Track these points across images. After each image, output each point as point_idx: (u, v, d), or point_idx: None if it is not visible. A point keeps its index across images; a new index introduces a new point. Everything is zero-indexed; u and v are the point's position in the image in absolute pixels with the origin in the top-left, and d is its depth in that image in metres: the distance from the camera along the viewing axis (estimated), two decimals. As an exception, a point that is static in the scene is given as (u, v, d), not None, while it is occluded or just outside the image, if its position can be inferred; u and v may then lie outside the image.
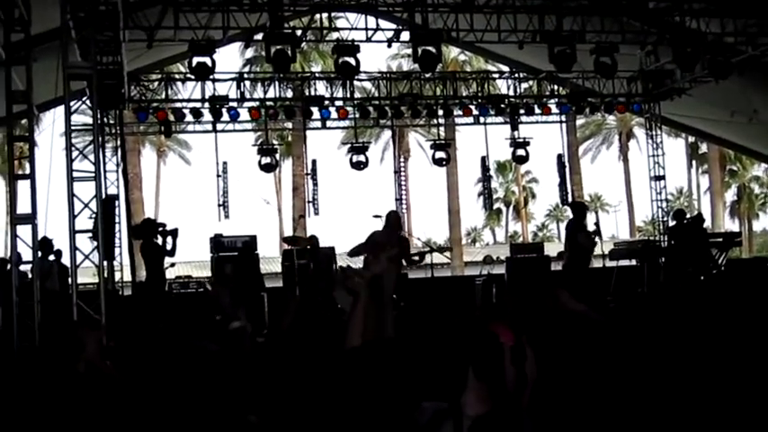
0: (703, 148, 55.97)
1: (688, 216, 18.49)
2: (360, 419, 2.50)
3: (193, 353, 2.48)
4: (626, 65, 20.08)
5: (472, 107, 22.66)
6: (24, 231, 11.60)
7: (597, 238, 15.93)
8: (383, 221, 13.60)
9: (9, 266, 12.08)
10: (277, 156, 23.50)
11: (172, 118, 20.83)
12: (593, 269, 17.48)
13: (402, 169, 27.64)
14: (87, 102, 13.94)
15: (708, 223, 27.72)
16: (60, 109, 13.30)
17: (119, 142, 19.78)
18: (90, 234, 12.40)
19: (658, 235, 23.23)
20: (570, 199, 25.20)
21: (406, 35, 17.89)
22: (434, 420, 2.43)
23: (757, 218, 67.68)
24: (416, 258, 14.58)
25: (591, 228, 16.05)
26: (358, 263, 13.69)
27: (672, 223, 19.44)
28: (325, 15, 17.25)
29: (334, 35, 17.88)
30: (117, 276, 18.91)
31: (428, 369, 2.81)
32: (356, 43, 16.75)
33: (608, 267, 18.16)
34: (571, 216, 17.21)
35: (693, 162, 62.12)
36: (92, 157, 12.45)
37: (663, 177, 23.74)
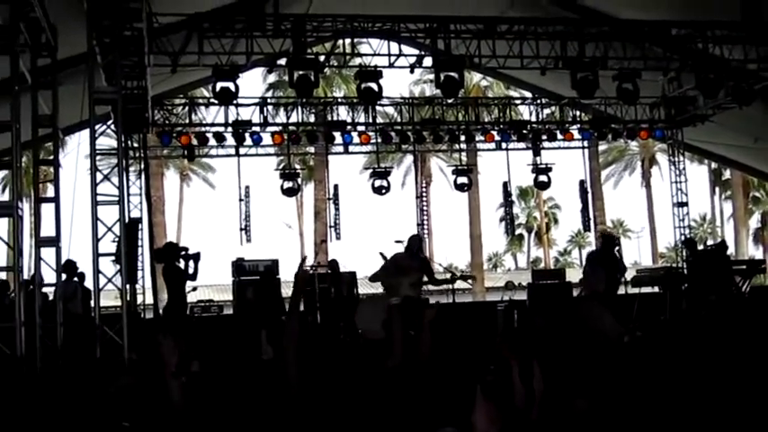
0: (726, 174, 55.60)
1: (710, 243, 18.40)
2: None
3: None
4: (648, 91, 20.07)
5: (494, 132, 22.65)
6: (48, 254, 11.70)
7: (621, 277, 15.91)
8: (404, 246, 13.38)
9: (32, 287, 12.16)
10: (299, 180, 23.57)
11: (195, 142, 20.98)
12: (617, 295, 17.38)
13: (424, 194, 27.61)
14: (111, 125, 14.10)
15: (731, 250, 27.55)
16: (85, 132, 13.47)
17: (142, 166, 19.91)
18: (113, 257, 12.48)
19: (681, 262, 23.07)
20: (593, 225, 25.13)
21: (428, 61, 17.97)
22: None
23: (781, 244, 67.08)
24: (441, 279, 14.37)
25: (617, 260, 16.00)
26: (379, 288, 13.67)
27: (685, 252, 19.32)
28: (348, 41, 17.34)
29: (357, 60, 17.96)
30: (139, 299, 18.97)
31: (446, 393, 2.82)
32: (379, 69, 16.83)
33: (630, 294, 18.04)
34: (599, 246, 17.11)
35: (716, 188, 61.73)
36: (115, 180, 12.55)
37: (686, 204, 23.63)
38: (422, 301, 14.17)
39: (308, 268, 16.91)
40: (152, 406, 2.29)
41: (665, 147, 25.31)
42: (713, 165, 52.74)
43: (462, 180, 23.94)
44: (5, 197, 39.35)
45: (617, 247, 16.42)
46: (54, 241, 11.57)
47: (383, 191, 23.12)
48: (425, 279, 13.35)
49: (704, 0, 16.06)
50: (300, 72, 15.83)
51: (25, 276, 10.89)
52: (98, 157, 12.65)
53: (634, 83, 17.47)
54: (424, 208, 27.06)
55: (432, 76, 20.20)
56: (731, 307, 16.84)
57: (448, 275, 14.60)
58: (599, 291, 15.60)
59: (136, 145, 19.90)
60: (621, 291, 17.90)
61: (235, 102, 18.43)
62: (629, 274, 18.36)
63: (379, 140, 22.28)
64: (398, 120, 22.57)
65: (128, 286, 13.33)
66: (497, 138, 22.81)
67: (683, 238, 23.25)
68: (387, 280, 12.93)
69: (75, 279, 15.76)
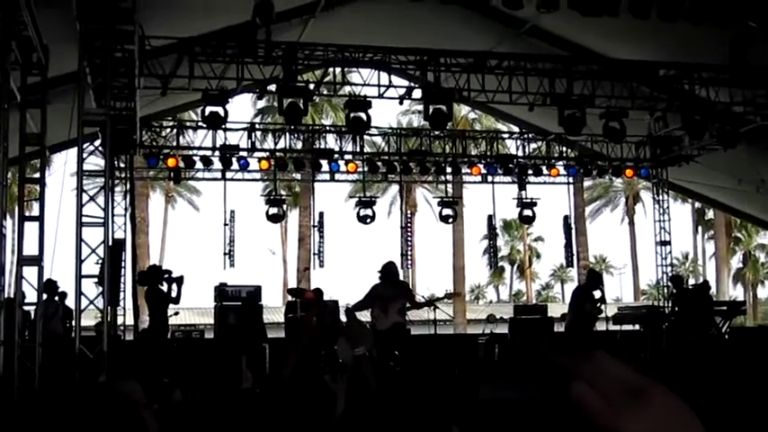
0: (710, 214, 55.96)
1: (693, 282, 18.51)
2: None
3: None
4: (635, 130, 20.19)
5: (480, 166, 22.75)
6: (30, 273, 11.63)
7: (602, 306, 15.97)
8: (379, 275, 13.37)
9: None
10: (284, 206, 23.57)
11: (182, 165, 20.96)
12: (596, 332, 17.41)
13: (408, 224, 27.63)
14: (99, 146, 14.09)
15: (713, 290, 27.66)
16: (71, 151, 13.44)
17: (128, 187, 19.86)
18: (96, 280, 12.42)
19: (662, 299, 23.15)
20: (576, 260, 25.18)
21: (418, 93, 18.06)
22: None
23: (762, 285, 67.43)
24: (422, 303, 14.49)
25: (597, 295, 16.07)
26: (363, 316, 13.65)
27: (668, 290, 19.36)
28: (338, 70, 17.42)
29: (347, 89, 18.03)
30: (120, 320, 18.87)
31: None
32: (368, 99, 16.91)
33: (611, 331, 18.09)
34: (583, 281, 17.19)
35: (699, 228, 62.08)
36: (101, 201, 12.51)
37: (668, 243, 23.74)
38: (406, 330, 14.22)
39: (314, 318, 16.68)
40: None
41: (650, 185, 25.43)
42: (697, 204, 53.06)
43: (447, 211, 24.00)
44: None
45: (601, 286, 16.47)
46: (37, 260, 11.51)
47: (368, 220, 23.15)
48: (408, 305, 13.44)
49: (693, 42, 16.20)
50: (290, 99, 15.88)
51: (6, 294, 10.83)
52: (84, 177, 12.61)
53: (621, 121, 17.62)
54: (409, 238, 27.09)
55: (420, 107, 20.31)
56: (710, 347, 16.92)
57: (428, 299, 14.68)
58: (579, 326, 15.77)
59: (123, 165, 19.86)
60: (602, 327, 17.96)
61: (223, 126, 18.43)
62: (611, 311, 18.42)
63: (366, 170, 22.34)
64: (386, 149, 22.65)
65: (109, 308, 13.26)
66: (483, 171, 22.88)
67: (665, 276, 23.35)
68: (374, 310, 12.96)
69: (56, 298, 15.69)
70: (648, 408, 0.89)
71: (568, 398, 0.91)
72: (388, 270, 13.33)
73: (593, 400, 0.90)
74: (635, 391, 0.90)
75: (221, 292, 18.08)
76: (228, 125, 19.13)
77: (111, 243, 13.15)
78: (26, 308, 12.33)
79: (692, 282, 45.82)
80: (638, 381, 0.92)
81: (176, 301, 14.57)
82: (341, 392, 3.14)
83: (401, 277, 15.58)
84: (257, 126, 23.21)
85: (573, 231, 26.09)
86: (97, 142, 14.68)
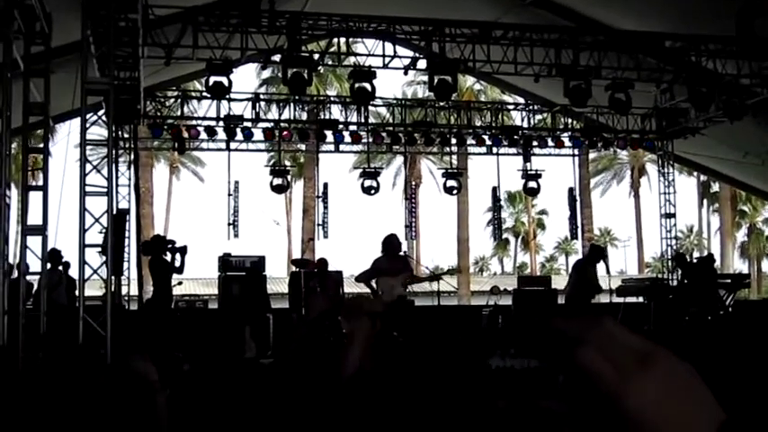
0: (715, 187, 55.83)
1: (697, 255, 18.49)
2: None
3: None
4: (641, 102, 20.13)
5: (485, 137, 22.70)
6: (34, 242, 11.65)
7: (606, 278, 15.99)
8: (382, 248, 13.45)
9: (17, 276, 12.11)
10: (289, 177, 23.56)
11: (186, 135, 20.94)
12: (600, 304, 17.41)
13: (413, 196, 27.62)
14: (102, 116, 14.05)
15: (717, 263, 27.62)
16: (75, 121, 13.42)
17: (132, 157, 19.86)
18: (99, 249, 12.43)
19: (666, 272, 23.15)
20: (581, 233, 25.18)
21: (422, 63, 17.97)
22: None
23: (767, 258, 67.36)
24: (424, 277, 14.61)
25: (600, 269, 16.05)
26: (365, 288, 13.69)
27: (672, 264, 19.33)
28: (342, 40, 17.33)
29: (351, 59, 17.94)
30: (124, 290, 18.91)
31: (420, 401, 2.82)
32: (373, 69, 16.85)
33: (615, 303, 18.09)
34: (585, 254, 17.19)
35: (705, 201, 61.98)
36: (105, 171, 12.50)
37: (673, 215, 23.71)
38: (409, 301, 14.29)
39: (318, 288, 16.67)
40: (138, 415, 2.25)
41: (655, 157, 25.37)
42: (702, 177, 52.97)
43: (452, 183, 23.97)
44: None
45: (605, 259, 16.44)
46: (41, 230, 11.52)
47: (372, 191, 23.13)
48: (409, 279, 13.57)
49: (699, 14, 16.11)
50: (294, 69, 15.82)
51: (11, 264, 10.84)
52: (88, 147, 12.60)
53: (627, 93, 17.54)
54: (413, 210, 27.08)
55: (425, 78, 20.21)
56: (714, 320, 16.93)
57: (431, 272, 14.72)
58: (576, 299, 15.79)
59: (126, 136, 19.84)
60: (606, 299, 17.98)
61: (227, 96, 18.40)
62: (615, 283, 18.41)
63: (371, 140, 22.30)
64: (390, 120, 22.58)
65: (113, 278, 13.28)
66: (488, 142, 22.84)
67: (669, 249, 23.35)
68: (378, 283, 13.02)
69: (60, 268, 15.72)
70: (655, 373, 0.89)
71: (574, 364, 0.90)
72: (390, 243, 13.38)
73: (601, 365, 0.89)
74: (642, 357, 0.90)
75: (225, 262, 18.08)
76: (233, 95, 19.11)
77: (114, 213, 13.13)
78: (29, 278, 12.33)
79: (696, 255, 45.85)
80: (645, 346, 0.91)
81: (180, 270, 14.59)
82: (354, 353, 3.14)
83: (405, 249, 15.61)
84: (261, 96, 23.13)
85: (578, 204, 26.05)
86: (101, 112, 14.65)
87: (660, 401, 0.88)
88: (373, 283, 13.13)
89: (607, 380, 0.89)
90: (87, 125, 12.63)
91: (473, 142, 22.93)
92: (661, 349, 0.91)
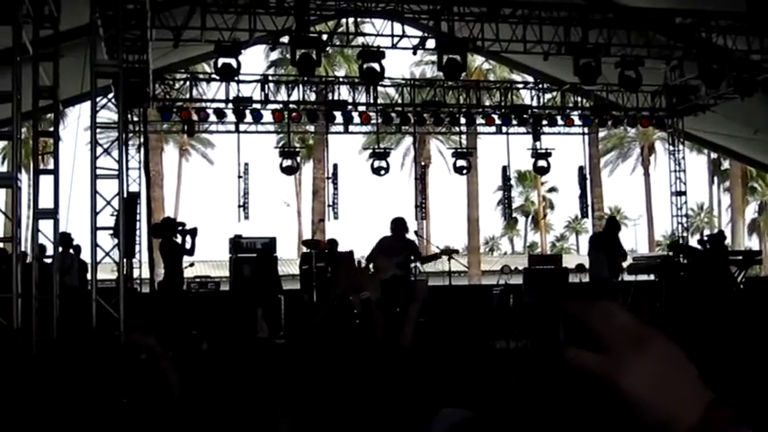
0: (726, 164, 55.59)
1: (708, 233, 18.45)
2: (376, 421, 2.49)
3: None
4: (650, 79, 20.04)
5: (495, 116, 22.66)
6: (46, 226, 11.68)
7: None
8: (390, 229, 13.94)
9: (29, 259, 12.16)
10: (298, 158, 23.57)
11: (195, 117, 20.97)
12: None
13: (422, 176, 27.60)
14: (112, 99, 14.07)
15: (728, 240, 27.53)
16: (85, 105, 13.44)
17: (142, 140, 19.88)
18: (111, 231, 12.47)
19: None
20: (591, 211, 25.14)
21: (431, 43, 17.93)
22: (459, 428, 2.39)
23: (778, 235, 67.15)
24: (427, 257, 15.00)
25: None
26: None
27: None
28: (351, 20, 17.29)
29: (360, 40, 17.91)
30: (135, 273, 18.97)
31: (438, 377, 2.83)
32: (381, 49, 16.81)
33: (626, 281, 18.07)
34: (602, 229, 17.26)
35: (715, 178, 61.72)
36: (115, 154, 12.53)
37: (684, 193, 23.65)
38: (408, 279, 14.45)
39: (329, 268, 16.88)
40: (150, 384, 2.27)
41: (665, 135, 25.29)
42: (712, 155, 52.74)
43: (461, 163, 23.95)
44: (5, 168, 39.31)
45: (619, 232, 16.51)
46: (52, 213, 11.56)
47: (382, 171, 23.14)
48: (413, 258, 14.07)
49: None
50: (303, 50, 15.81)
51: (23, 248, 10.89)
52: (98, 131, 12.62)
53: (636, 70, 17.48)
54: (423, 190, 27.06)
55: (434, 58, 20.17)
56: (725, 297, 16.91)
57: (437, 252, 14.98)
58: (601, 276, 15.76)
59: (136, 119, 19.85)
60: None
61: (236, 78, 18.39)
62: (626, 262, 18.39)
63: (380, 121, 22.28)
64: (399, 101, 22.54)
65: (125, 260, 13.34)
66: (498, 122, 22.80)
67: (680, 226, 23.31)
68: (375, 261, 13.27)
69: (71, 251, 15.77)
70: (648, 355, 0.93)
71: (567, 350, 0.94)
72: (396, 225, 13.87)
73: (585, 358, 0.93)
74: (636, 340, 0.94)
75: (236, 244, 18.11)
76: (241, 77, 19.09)
77: (125, 195, 13.15)
78: (45, 260, 12.36)
79: (707, 233, 45.69)
80: (641, 329, 0.95)
81: (191, 252, 14.63)
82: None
83: (414, 230, 15.71)
84: (270, 78, 23.15)
85: (588, 182, 26.00)
86: (110, 95, 14.68)
87: (653, 382, 0.92)
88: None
89: (597, 367, 0.92)
90: (97, 108, 12.64)
91: (482, 122, 22.90)
92: (656, 333, 0.95)
